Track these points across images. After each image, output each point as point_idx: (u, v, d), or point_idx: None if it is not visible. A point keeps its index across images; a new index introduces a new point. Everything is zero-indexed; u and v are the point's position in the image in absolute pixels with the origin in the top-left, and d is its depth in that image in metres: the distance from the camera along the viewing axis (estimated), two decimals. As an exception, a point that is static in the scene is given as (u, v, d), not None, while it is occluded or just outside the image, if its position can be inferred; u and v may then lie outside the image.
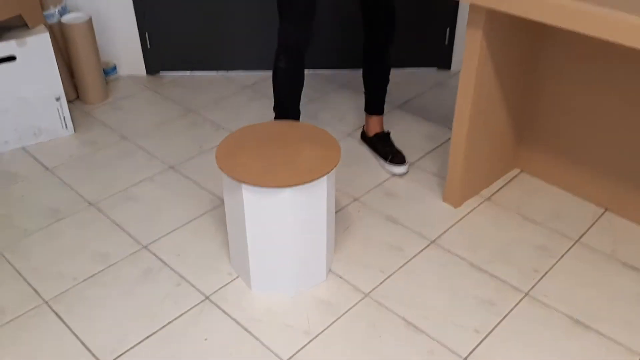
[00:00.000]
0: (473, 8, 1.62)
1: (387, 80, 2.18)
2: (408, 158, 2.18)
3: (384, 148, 2.18)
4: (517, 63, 1.88)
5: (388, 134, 2.23)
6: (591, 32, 1.36)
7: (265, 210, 1.52)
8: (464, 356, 1.49)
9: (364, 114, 2.28)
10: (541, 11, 1.43)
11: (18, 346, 1.52)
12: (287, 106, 2.03)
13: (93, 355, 1.50)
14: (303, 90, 2.04)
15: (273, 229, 1.55)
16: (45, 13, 2.41)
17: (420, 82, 2.74)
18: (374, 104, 2.20)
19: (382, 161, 2.18)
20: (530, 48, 1.89)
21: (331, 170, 1.51)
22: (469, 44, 1.70)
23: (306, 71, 2.01)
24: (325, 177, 1.51)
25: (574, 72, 1.87)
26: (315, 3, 1.86)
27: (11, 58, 2.16)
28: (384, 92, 2.19)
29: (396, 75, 2.78)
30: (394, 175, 2.13)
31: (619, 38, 1.33)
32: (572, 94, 1.90)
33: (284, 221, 1.53)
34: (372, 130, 2.23)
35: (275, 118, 2.05)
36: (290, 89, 2.01)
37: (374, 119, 2.21)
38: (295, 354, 1.50)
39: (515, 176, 2.14)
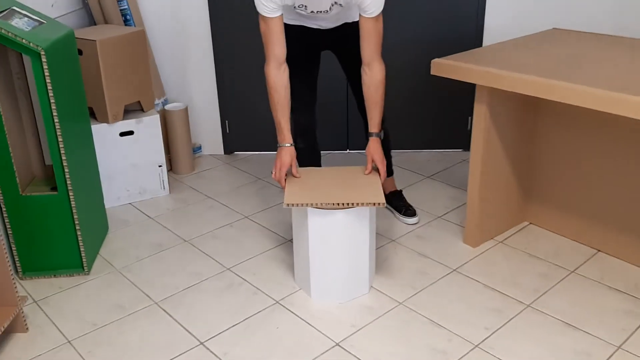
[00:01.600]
0: (478, 87, 2.21)
1: (388, 150, 2.56)
2: (433, 212, 2.70)
3: (398, 203, 2.71)
4: (518, 131, 2.43)
5: (400, 191, 2.76)
6: (566, 101, 1.92)
7: (324, 228, 2.05)
8: (476, 344, 1.92)
9: (400, 185, 2.86)
10: (525, 87, 2.00)
11: (137, 330, 2.04)
12: None
13: (193, 336, 2.00)
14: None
15: (329, 245, 2.08)
16: (155, 102, 3.14)
17: (448, 159, 3.31)
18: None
19: (397, 214, 2.70)
20: (529, 118, 2.45)
21: (376, 204, 2.04)
22: (476, 116, 2.28)
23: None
24: (368, 207, 2.05)
25: (567, 138, 2.41)
26: (316, 93, 2.45)
27: (130, 132, 2.85)
28: (390, 158, 2.60)
29: (428, 154, 3.39)
30: (407, 224, 2.65)
31: (588, 105, 1.88)
32: (568, 157, 2.43)
33: (337, 238, 2.06)
34: (387, 189, 2.70)
35: None
36: (310, 162, 2.52)
37: (387, 180, 2.65)
38: (344, 339, 1.96)
39: (525, 227, 2.62)
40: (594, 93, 1.81)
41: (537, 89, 1.95)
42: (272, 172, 2.23)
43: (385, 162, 2.24)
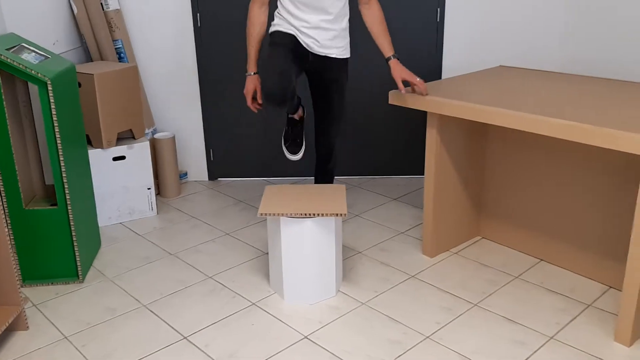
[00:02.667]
0: (429, 114, 2.54)
1: (332, 175, 2.96)
2: (397, 229, 3.00)
3: (289, 131, 2.83)
4: (468, 154, 2.75)
5: (299, 120, 2.81)
6: (502, 124, 2.25)
7: (295, 235, 2.33)
8: (428, 335, 2.19)
9: (367, 203, 3.15)
10: (466, 112, 2.33)
11: (127, 327, 2.28)
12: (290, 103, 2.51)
13: (177, 332, 2.25)
14: None
15: (300, 251, 2.35)
16: (145, 131, 3.43)
17: (412, 184, 3.63)
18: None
19: (282, 143, 2.86)
20: (478, 142, 2.78)
21: (338, 214, 2.34)
22: (428, 140, 2.60)
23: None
24: (332, 217, 2.34)
25: (512, 160, 2.73)
26: (293, 69, 2.43)
27: (122, 157, 3.13)
28: (332, 179, 2.96)
29: (396, 179, 3.69)
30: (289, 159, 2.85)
31: (527, 128, 2.20)
32: (513, 177, 2.75)
33: (307, 244, 2.34)
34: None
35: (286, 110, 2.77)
36: (285, 103, 2.43)
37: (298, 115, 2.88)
38: (312, 333, 2.22)
39: (477, 240, 2.91)
40: (525, 117, 2.14)
41: (477, 114, 2.28)
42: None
43: (415, 77, 2.44)
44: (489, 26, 3.38)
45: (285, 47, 2.51)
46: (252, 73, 2.58)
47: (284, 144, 2.77)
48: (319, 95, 2.74)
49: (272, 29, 2.63)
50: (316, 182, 2.94)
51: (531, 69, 2.94)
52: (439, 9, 3.39)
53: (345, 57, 2.67)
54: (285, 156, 2.91)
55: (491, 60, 3.43)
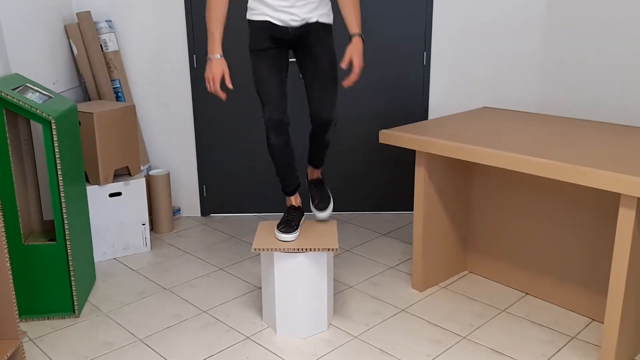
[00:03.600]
0: (417, 153, 2.66)
1: (325, 190, 2.69)
2: (387, 264, 3.07)
3: (315, 192, 2.64)
4: (455, 192, 2.86)
5: (321, 180, 2.68)
6: (485, 162, 2.36)
7: (288, 269, 2.40)
8: (418, 367, 2.26)
9: (359, 241, 3.22)
10: (452, 151, 2.45)
11: (124, 361, 2.32)
12: (285, 171, 2.51)
13: (174, 365, 2.29)
14: None
15: (292, 285, 2.42)
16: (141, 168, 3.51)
17: (402, 220, 3.72)
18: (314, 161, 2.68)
19: (310, 204, 2.64)
20: (464, 180, 2.89)
21: (330, 249, 2.41)
22: (417, 178, 2.71)
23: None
24: (324, 252, 2.42)
25: (498, 197, 2.84)
26: (285, 90, 2.39)
27: (119, 194, 3.20)
28: (327, 191, 2.69)
29: (385, 215, 3.78)
30: (317, 219, 2.60)
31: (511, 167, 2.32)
32: (499, 214, 2.86)
33: (299, 279, 2.41)
34: (310, 176, 2.71)
35: (280, 181, 2.57)
36: (284, 158, 2.46)
37: (313, 170, 2.70)
38: (306, 366, 2.28)
39: (465, 275, 3.00)
40: (507, 156, 2.26)
41: (462, 153, 2.40)
42: (206, 87, 2.33)
43: (361, 64, 2.34)
44: (473, 69, 3.54)
45: (267, 55, 2.39)
46: (218, 56, 2.31)
47: (278, 226, 2.50)
48: (305, 62, 2.48)
49: (248, 14, 2.45)
50: (310, 149, 2.60)
51: (512, 109, 3.08)
52: (425, 53, 3.55)
53: (326, 22, 2.44)
54: (283, 199, 2.81)
55: (475, 101, 3.58)
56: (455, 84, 3.58)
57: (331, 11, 2.48)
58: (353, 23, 2.38)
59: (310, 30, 2.41)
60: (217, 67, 2.30)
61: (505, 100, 3.56)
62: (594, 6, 3.17)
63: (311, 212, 2.66)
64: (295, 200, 2.62)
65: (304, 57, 2.47)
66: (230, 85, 2.33)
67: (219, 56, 2.31)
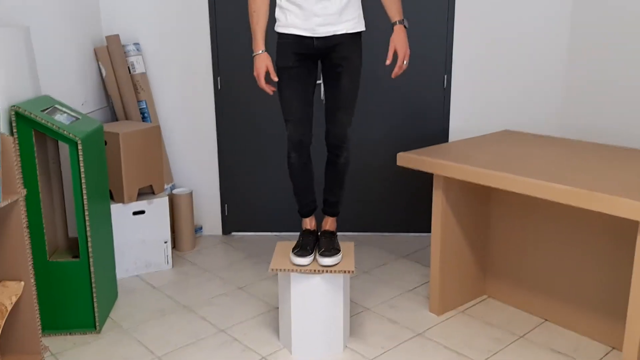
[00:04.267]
0: (435, 176, 2.67)
1: (338, 211, 2.67)
2: (405, 287, 3.07)
3: (323, 242, 2.53)
4: (473, 216, 2.85)
5: (332, 232, 2.61)
6: (502, 187, 2.36)
7: (304, 290, 2.42)
8: (432, 392, 2.25)
9: (376, 259, 3.22)
10: (468, 175, 2.45)
11: (142, 378, 2.36)
12: (302, 190, 2.57)
13: (190, 383, 2.32)
14: None
15: (309, 306, 2.44)
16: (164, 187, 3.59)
17: (420, 241, 3.72)
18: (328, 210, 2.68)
19: (316, 252, 2.50)
20: (483, 204, 2.88)
21: (347, 271, 2.43)
22: (434, 201, 2.71)
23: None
24: (341, 274, 2.44)
25: (517, 222, 2.83)
26: (312, 108, 2.44)
27: (142, 212, 3.27)
28: (338, 212, 2.67)
29: (404, 237, 3.79)
30: (321, 266, 2.42)
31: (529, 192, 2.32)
32: (518, 239, 2.84)
33: (316, 300, 2.43)
34: (323, 227, 2.66)
35: (296, 201, 2.62)
36: (302, 178, 2.52)
37: (328, 220, 2.67)
38: (320, 388, 2.28)
39: (484, 299, 2.98)
40: (524, 181, 2.26)
41: (479, 178, 2.40)
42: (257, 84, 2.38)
43: (407, 53, 2.36)
44: (494, 91, 3.55)
45: (291, 75, 2.41)
46: (261, 51, 2.37)
47: (293, 250, 2.49)
48: (328, 77, 2.49)
49: (276, 26, 2.45)
50: (326, 178, 2.63)
51: (533, 133, 3.07)
52: (445, 76, 3.57)
53: (357, 30, 2.40)
54: (298, 220, 2.83)
55: (497, 124, 3.58)
56: (476, 106, 3.58)
57: (362, 16, 2.44)
58: (394, 10, 2.36)
59: (337, 44, 2.38)
60: (261, 63, 2.37)
61: (528, 123, 3.55)
62: (619, 27, 3.16)
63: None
64: (309, 223, 2.65)
65: (327, 72, 2.47)
66: (275, 78, 2.38)
67: (261, 52, 2.37)
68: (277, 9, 2.44)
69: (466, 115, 3.60)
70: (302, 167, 2.50)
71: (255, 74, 2.40)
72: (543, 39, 3.43)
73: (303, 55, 2.41)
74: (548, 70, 3.45)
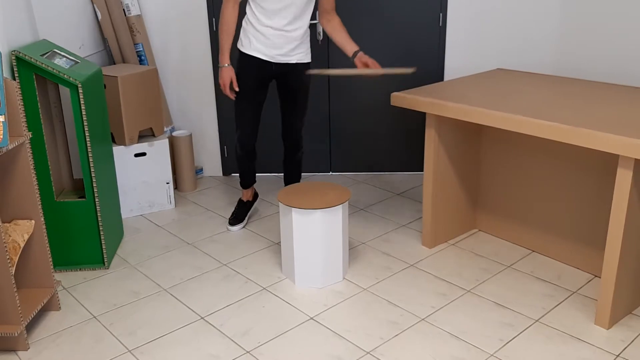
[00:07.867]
0: (427, 115, 2.74)
1: (300, 172, 3.26)
2: (399, 222, 3.20)
3: (236, 209, 3.30)
4: (464, 152, 2.94)
5: (246, 202, 3.30)
6: (491, 124, 2.44)
7: (305, 225, 2.54)
8: (423, 317, 2.40)
9: (372, 197, 3.34)
10: (458, 113, 2.52)
11: (149, 308, 2.51)
12: (245, 172, 3.19)
13: (195, 312, 2.47)
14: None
15: (310, 240, 2.57)
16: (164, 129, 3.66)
17: (417, 180, 3.83)
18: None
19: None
20: (473, 141, 2.97)
21: (344, 202, 2.54)
22: (427, 139, 2.79)
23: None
24: (340, 206, 2.55)
25: (506, 158, 2.92)
26: (260, 116, 2.96)
27: (143, 154, 3.36)
28: (299, 177, 3.27)
29: (401, 175, 3.89)
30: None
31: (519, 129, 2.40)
32: (507, 174, 2.94)
33: (316, 233, 2.55)
34: (245, 197, 3.34)
35: (240, 177, 3.24)
36: (246, 164, 3.14)
37: (247, 191, 3.33)
38: (317, 315, 2.44)
39: (474, 233, 3.11)
40: (510, 118, 2.33)
41: (468, 115, 2.48)
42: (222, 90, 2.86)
43: (377, 64, 2.77)
44: (489, 30, 3.57)
45: (247, 96, 2.88)
46: (227, 65, 2.81)
47: (229, 217, 3.25)
48: (284, 96, 3.00)
49: (239, 45, 2.88)
50: (285, 170, 3.21)
51: (527, 71, 3.12)
52: (441, 14, 3.58)
53: (305, 61, 2.91)
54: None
55: (492, 62, 3.61)
56: (471, 45, 3.61)
57: (309, 50, 2.92)
58: (350, 43, 2.84)
59: (291, 71, 2.87)
60: (227, 75, 2.81)
61: (523, 62, 3.58)
62: (611, -34, 3.15)
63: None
64: (246, 194, 3.29)
65: (284, 91, 2.97)
66: (236, 88, 2.84)
67: (227, 65, 2.81)
68: (242, 31, 2.86)
69: (462, 54, 3.63)
70: (246, 157, 3.11)
71: (221, 83, 2.83)
72: (538, -25, 3.42)
73: (261, 75, 2.87)
74: (544, 7, 3.46)
